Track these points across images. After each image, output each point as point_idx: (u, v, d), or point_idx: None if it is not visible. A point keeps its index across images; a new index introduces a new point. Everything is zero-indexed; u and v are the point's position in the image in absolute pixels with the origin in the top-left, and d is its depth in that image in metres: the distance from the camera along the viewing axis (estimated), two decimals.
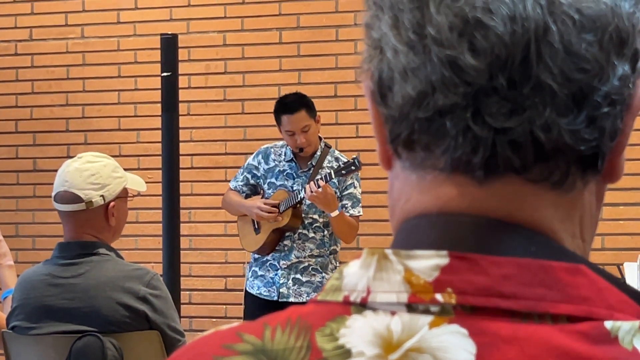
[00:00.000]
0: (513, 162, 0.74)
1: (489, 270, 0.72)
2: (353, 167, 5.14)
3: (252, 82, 6.43)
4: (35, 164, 6.76)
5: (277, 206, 5.27)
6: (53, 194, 3.35)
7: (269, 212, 5.25)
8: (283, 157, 5.38)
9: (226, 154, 6.51)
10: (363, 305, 0.74)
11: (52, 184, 3.38)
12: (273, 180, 5.37)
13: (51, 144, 6.73)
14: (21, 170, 6.78)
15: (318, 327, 0.74)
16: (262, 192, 5.43)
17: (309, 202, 5.23)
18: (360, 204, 5.38)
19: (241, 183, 5.45)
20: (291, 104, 5.26)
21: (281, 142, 5.44)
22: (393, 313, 0.72)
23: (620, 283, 0.74)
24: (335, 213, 5.17)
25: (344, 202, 5.32)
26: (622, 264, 4.80)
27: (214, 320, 5.70)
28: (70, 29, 6.76)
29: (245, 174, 5.45)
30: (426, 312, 0.72)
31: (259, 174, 5.41)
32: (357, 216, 5.36)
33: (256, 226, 5.39)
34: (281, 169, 5.37)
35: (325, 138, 6.23)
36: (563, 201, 0.76)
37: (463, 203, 0.75)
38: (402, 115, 0.76)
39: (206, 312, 6.30)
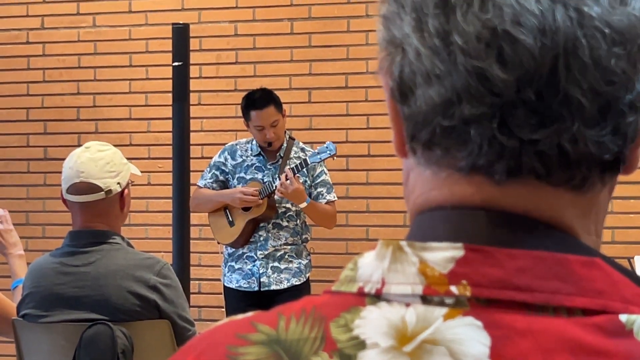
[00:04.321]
0: (537, 169, 0.74)
1: (504, 262, 0.72)
2: (329, 151, 5.25)
3: (263, 72, 6.42)
4: (45, 152, 6.77)
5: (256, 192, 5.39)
6: (65, 186, 3.34)
7: (251, 196, 5.33)
8: (250, 152, 5.50)
9: None
10: (377, 297, 0.74)
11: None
12: (243, 174, 5.48)
13: (62, 132, 6.73)
14: (32, 158, 6.79)
15: (332, 318, 0.74)
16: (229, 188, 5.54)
17: None
18: (333, 189, 5.51)
19: (210, 180, 5.54)
20: (260, 100, 5.37)
21: (245, 139, 5.58)
22: (407, 305, 0.73)
23: (635, 276, 0.74)
24: (304, 205, 5.30)
25: (319, 189, 5.46)
26: (632, 258, 4.79)
27: (223, 310, 5.70)
28: (81, 18, 6.76)
29: (213, 171, 5.54)
30: (441, 304, 0.72)
31: (227, 170, 5.52)
32: (333, 201, 5.50)
33: (230, 218, 5.48)
34: (249, 163, 5.49)
35: (335, 129, 6.25)
36: (581, 201, 0.76)
37: (478, 200, 0.75)
38: (425, 121, 0.75)
39: (215, 302, 6.30)
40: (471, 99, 0.72)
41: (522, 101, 0.72)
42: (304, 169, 5.35)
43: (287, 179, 5.19)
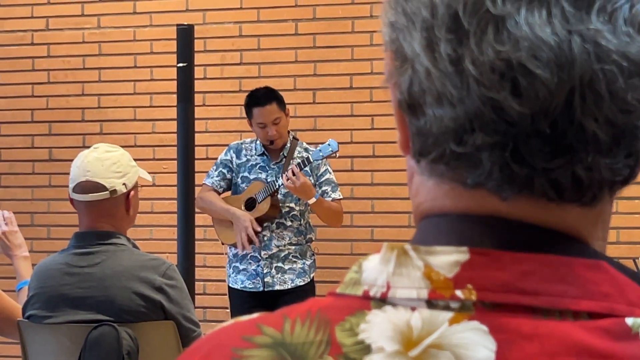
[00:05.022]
0: (548, 194, 0.73)
1: (509, 266, 0.72)
2: (331, 148, 5.25)
3: (268, 73, 6.42)
4: (50, 153, 6.77)
5: (257, 234, 5.38)
6: (71, 186, 3.35)
7: (249, 236, 5.35)
8: (254, 151, 5.52)
9: None
10: (383, 301, 0.74)
11: (67, 173, 3.38)
12: (246, 174, 5.50)
13: (67, 133, 6.74)
14: (37, 159, 6.79)
15: (338, 322, 0.74)
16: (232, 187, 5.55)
17: (285, 191, 5.38)
18: (338, 188, 5.51)
19: (217, 178, 5.54)
20: (262, 97, 5.40)
21: (249, 139, 5.60)
22: (413, 309, 0.72)
23: None
24: (313, 200, 5.31)
25: (324, 188, 5.46)
26: (637, 258, 4.79)
27: (228, 311, 5.70)
28: (86, 19, 6.77)
29: (220, 169, 5.55)
30: (446, 308, 0.72)
31: (232, 168, 5.52)
32: (339, 199, 5.50)
33: None
34: (253, 162, 5.50)
35: (340, 130, 6.24)
36: (590, 213, 0.76)
37: (482, 211, 0.75)
38: (435, 144, 0.75)
39: (220, 303, 6.30)
40: (485, 128, 0.71)
41: (536, 132, 0.71)
42: (307, 167, 5.35)
43: (293, 174, 5.19)
